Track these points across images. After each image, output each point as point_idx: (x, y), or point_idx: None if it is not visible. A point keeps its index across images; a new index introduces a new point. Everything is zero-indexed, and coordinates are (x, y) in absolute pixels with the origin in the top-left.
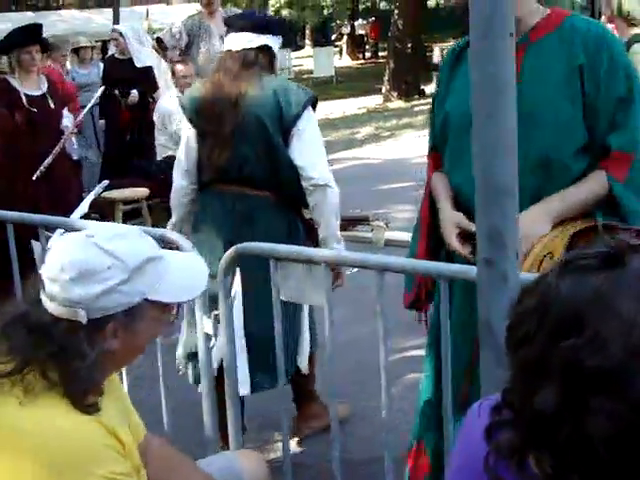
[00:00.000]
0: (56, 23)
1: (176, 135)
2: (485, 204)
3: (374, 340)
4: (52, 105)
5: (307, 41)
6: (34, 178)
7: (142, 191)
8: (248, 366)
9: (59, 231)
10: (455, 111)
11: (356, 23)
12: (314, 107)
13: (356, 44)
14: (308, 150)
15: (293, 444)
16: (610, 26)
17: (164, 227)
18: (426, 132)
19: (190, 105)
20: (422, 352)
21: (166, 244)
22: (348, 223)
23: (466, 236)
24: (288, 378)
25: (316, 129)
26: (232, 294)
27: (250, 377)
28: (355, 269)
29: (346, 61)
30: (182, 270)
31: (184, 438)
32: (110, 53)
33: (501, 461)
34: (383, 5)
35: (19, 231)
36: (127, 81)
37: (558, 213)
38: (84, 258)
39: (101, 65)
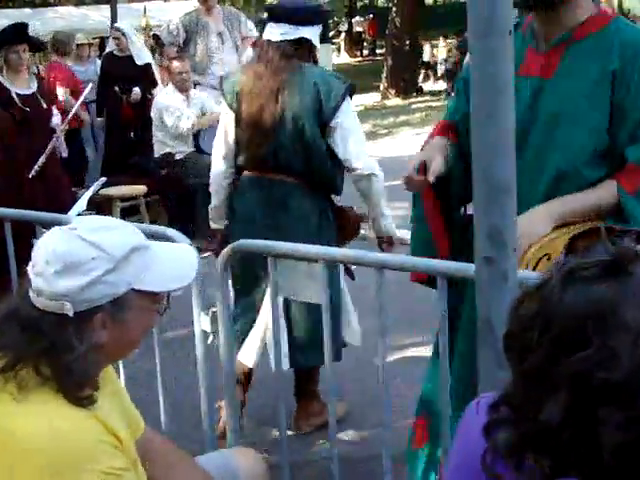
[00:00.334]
0: (53, 19)
1: (174, 130)
2: (485, 203)
3: (373, 338)
4: (43, 104)
5: None
6: (30, 177)
7: (140, 188)
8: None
9: (55, 228)
10: None
11: (354, 20)
12: (351, 96)
13: (354, 41)
14: (349, 141)
15: (290, 441)
16: None
17: (162, 224)
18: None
19: (231, 92)
20: (422, 350)
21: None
22: None
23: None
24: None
25: (355, 119)
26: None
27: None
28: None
29: (344, 58)
30: (170, 260)
31: (182, 436)
32: (108, 50)
33: (499, 459)
34: (381, 2)
35: (19, 229)
36: (127, 78)
37: (560, 215)
38: (68, 250)
39: (98, 62)
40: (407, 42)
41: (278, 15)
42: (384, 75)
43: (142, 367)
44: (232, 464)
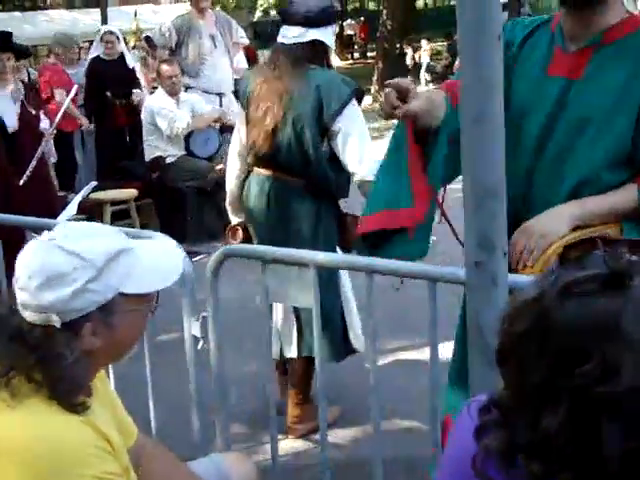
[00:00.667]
0: (43, 23)
1: (169, 131)
2: (474, 207)
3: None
4: (32, 110)
5: None
6: (21, 183)
7: (130, 192)
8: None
9: (34, 240)
10: (515, 102)
11: (345, 23)
12: (360, 99)
13: (345, 44)
14: (351, 146)
15: (282, 445)
16: None
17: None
18: None
19: (243, 92)
20: (412, 354)
21: None
22: None
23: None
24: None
25: (359, 123)
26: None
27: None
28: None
29: (335, 61)
30: (154, 259)
31: (173, 441)
32: (94, 54)
33: (490, 461)
34: (372, 5)
35: (9, 235)
36: (118, 82)
37: (579, 217)
38: (49, 262)
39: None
40: (398, 45)
41: (290, 18)
42: (375, 78)
43: (132, 372)
44: (223, 469)
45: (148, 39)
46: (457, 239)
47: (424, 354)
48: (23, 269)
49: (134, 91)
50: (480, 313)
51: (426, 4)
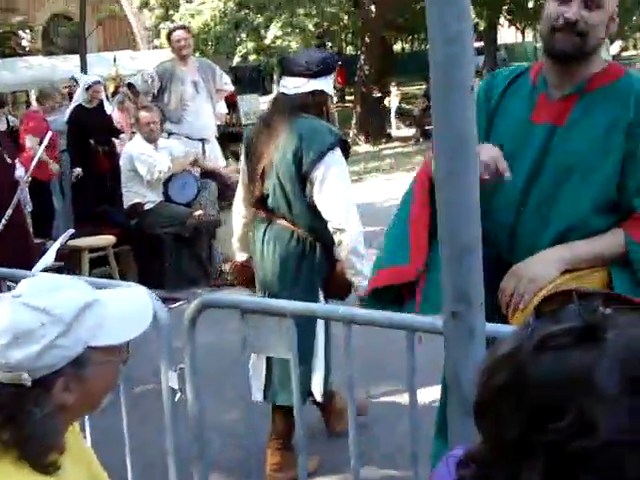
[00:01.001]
0: (22, 69)
1: (150, 176)
2: (450, 262)
3: (343, 390)
4: (7, 159)
5: (274, 86)
6: None
7: (108, 238)
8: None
9: (23, 281)
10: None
11: None
12: (344, 148)
13: None
14: (326, 195)
15: None
16: None
17: (131, 275)
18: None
19: (245, 139)
20: (390, 399)
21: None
22: None
23: None
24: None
25: (337, 172)
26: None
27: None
28: None
29: None
30: (123, 308)
31: None
32: (75, 102)
33: None
34: (349, 50)
35: None
36: (101, 130)
37: (567, 261)
38: (15, 320)
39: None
40: (375, 89)
41: (291, 69)
42: (354, 122)
43: (108, 425)
44: None
45: (131, 85)
46: None
47: (404, 400)
48: None
49: (121, 136)
50: (458, 364)
51: (403, 48)
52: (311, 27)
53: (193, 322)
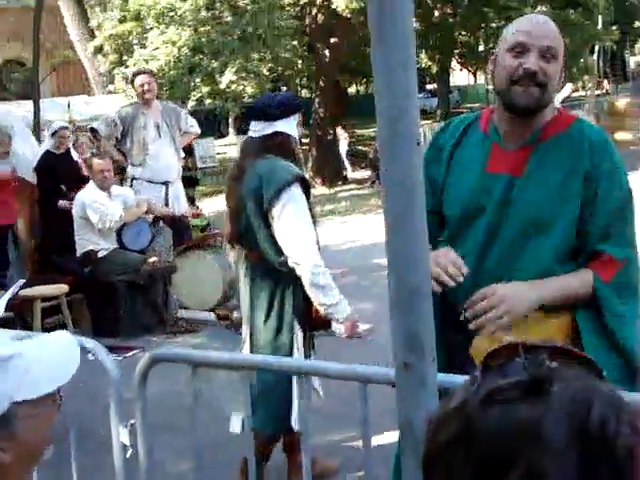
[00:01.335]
0: None
1: (101, 225)
2: (400, 308)
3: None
4: None
5: (230, 129)
6: None
7: (60, 287)
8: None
9: None
10: (457, 202)
11: None
12: (304, 185)
13: None
14: (283, 231)
15: None
16: None
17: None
18: (350, 218)
19: (227, 182)
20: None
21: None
22: None
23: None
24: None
25: (294, 209)
26: None
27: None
28: None
29: None
30: (46, 358)
31: None
32: (45, 148)
33: None
34: (304, 93)
35: None
36: (70, 176)
37: (542, 299)
38: None
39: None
40: (331, 132)
41: (255, 113)
42: (310, 165)
43: (59, 479)
44: None
45: (93, 130)
46: None
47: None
48: None
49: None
50: (410, 415)
51: (358, 91)
52: (265, 72)
53: (144, 376)
